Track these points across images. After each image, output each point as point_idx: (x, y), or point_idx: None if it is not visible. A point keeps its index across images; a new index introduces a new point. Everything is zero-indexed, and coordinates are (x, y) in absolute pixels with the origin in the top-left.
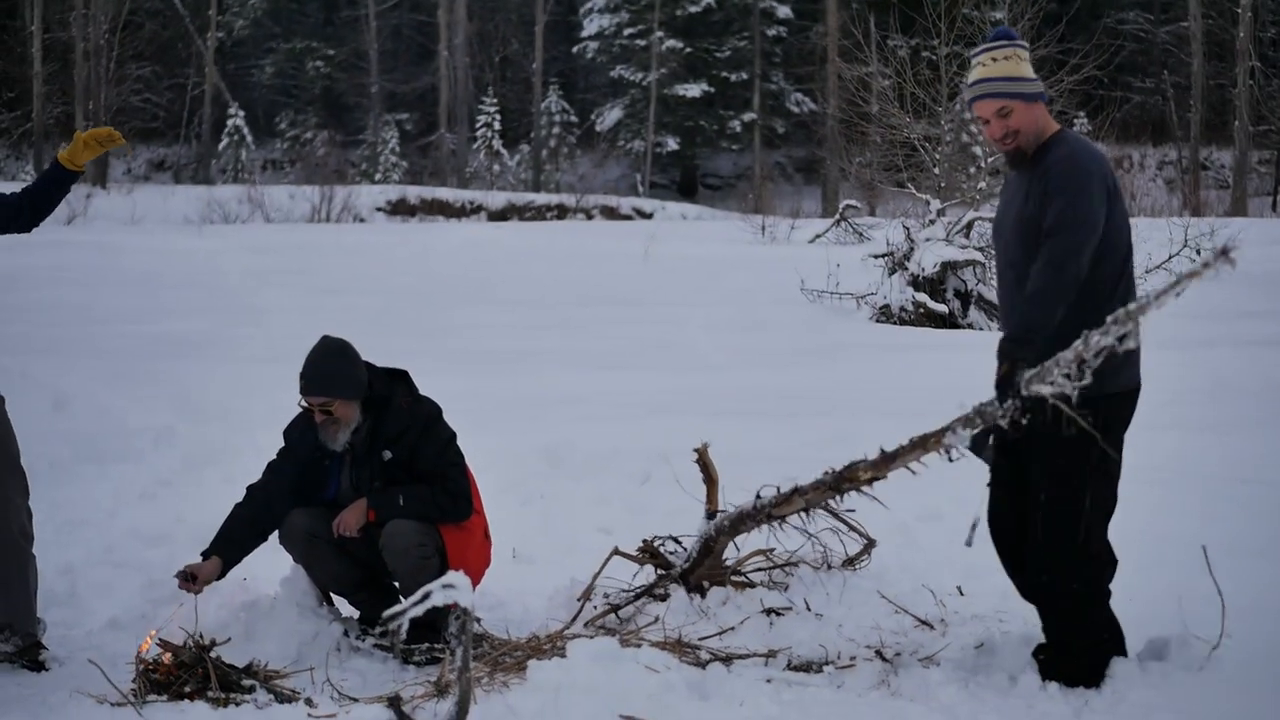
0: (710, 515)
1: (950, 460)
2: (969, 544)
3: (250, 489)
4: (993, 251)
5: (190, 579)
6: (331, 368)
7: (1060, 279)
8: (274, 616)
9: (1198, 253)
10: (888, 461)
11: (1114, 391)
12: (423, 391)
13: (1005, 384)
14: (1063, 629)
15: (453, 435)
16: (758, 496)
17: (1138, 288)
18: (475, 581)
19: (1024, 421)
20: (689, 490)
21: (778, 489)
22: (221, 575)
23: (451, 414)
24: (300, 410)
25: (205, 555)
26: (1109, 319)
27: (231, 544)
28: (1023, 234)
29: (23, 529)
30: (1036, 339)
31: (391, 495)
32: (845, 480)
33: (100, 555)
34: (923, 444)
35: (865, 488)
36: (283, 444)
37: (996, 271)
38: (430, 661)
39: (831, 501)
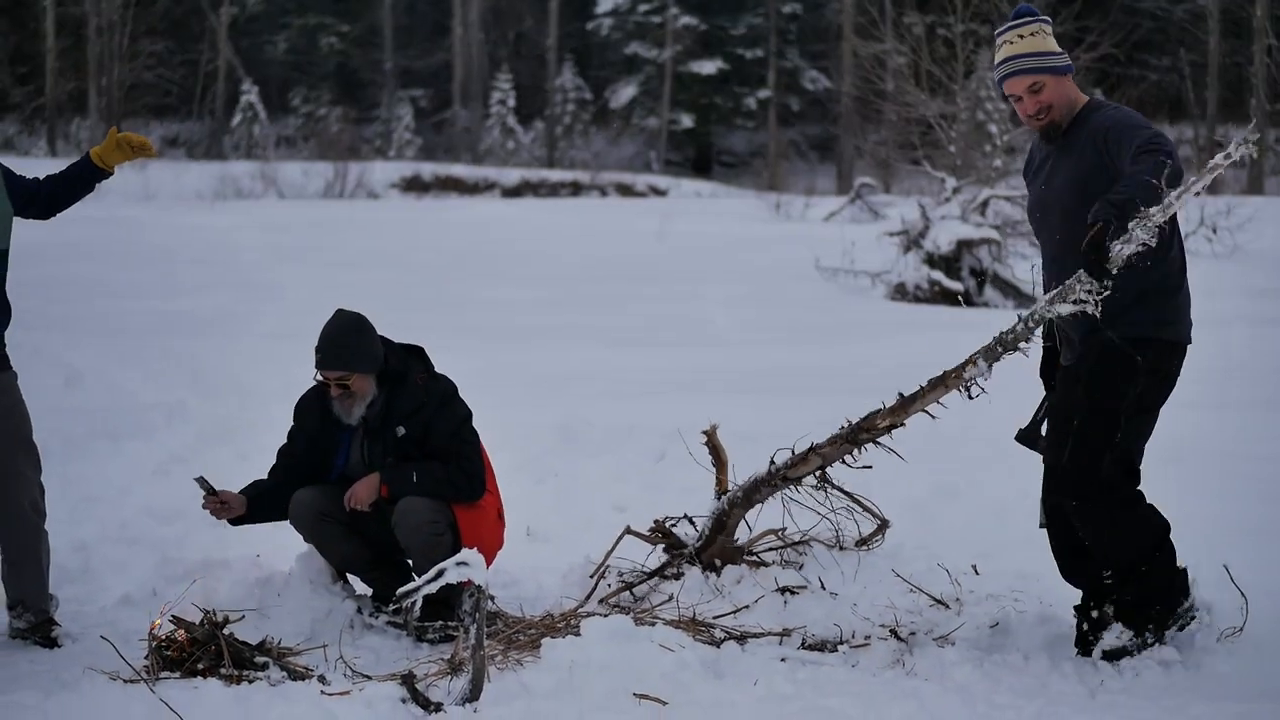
0: (720, 495)
1: (970, 397)
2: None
3: (271, 471)
4: (1009, 230)
5: (215, 498)
6: (348, 341)
7: (1162, 168)
8: (288, 593)
9: (1214, 231)
10: (906, 405)
11: (1166, 339)
12: (437, 368)
13: (1093, 247)
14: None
15: (468, 414)
16: (772, 462)
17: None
18: (488, 562)
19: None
20: (704, 466)
21: (793, 450)
22: (241, 518)
23: (465, 390)
24: (313, 383)
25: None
26: (1146, 211)
27: (258, 499)
28: (1082, 193)
29: (35, 505)
30: (1137, 209)
31: (404, 471)
32: (863, 431)
33: (113, 532)
34: (942, 382)
35: (884, 437)
36: (293, 421)
37: (1044, 256)
38: (444, 639)
39: (848, 457)
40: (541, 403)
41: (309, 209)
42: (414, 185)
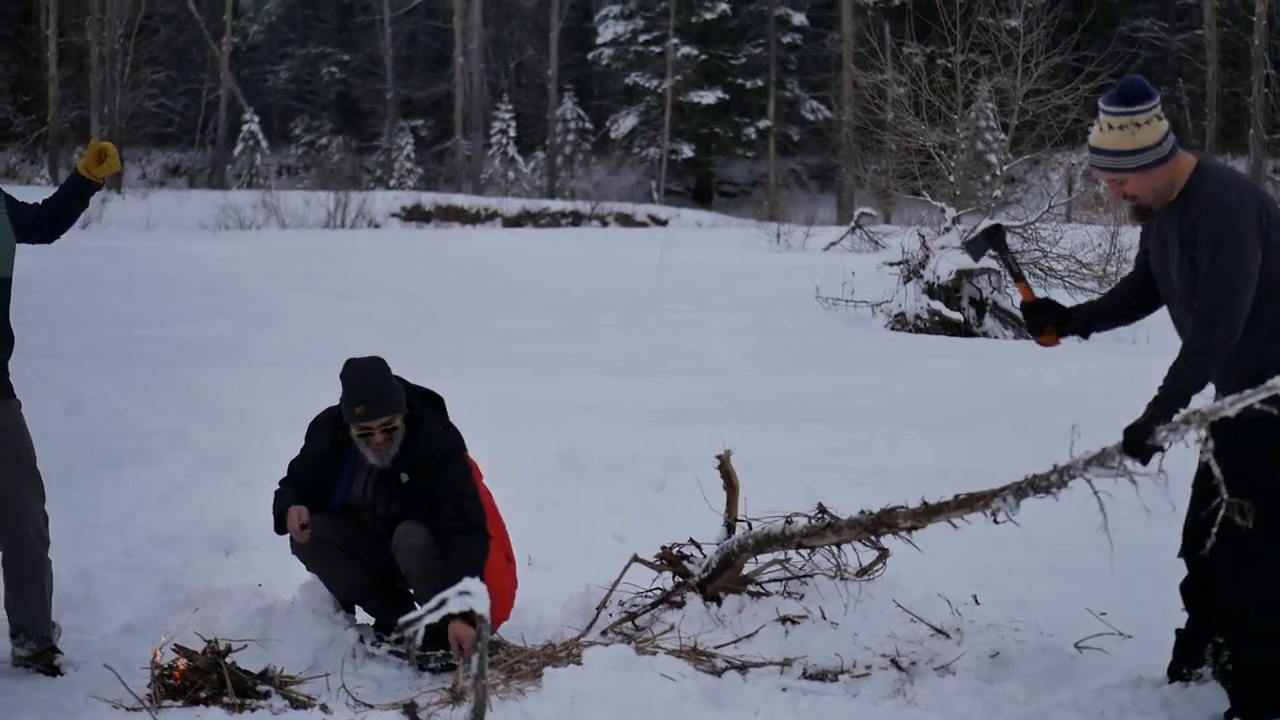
0: (729, 524)
1: (996, 522)
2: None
3: (282, 481)
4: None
5: (302, 527)
6: (385, 386)
7: (1211, 339)
8: (290, 622)
9: None
10: (929, 514)
11: None
12: (440, 401)
13: (1137, 433)
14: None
15: (470, 471)
16: (788, 521)
17: None
18: (509, 605)
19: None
20: (708, 496)
21: (809, 519)
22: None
23: (467, 419)
24: (326, 412)
25: (280, 515)
26: (1243, 393)
27: (296, 496)
28: (1189, 286)
29: (39, 532)
30: (1186, 400)
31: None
32: (883, 524)
33: (116, 559)
34: (969, 503)
35: (902, 534)
36: (305, 443)
37: (1173, 318)
38: (446, 668)
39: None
40: (542, 432)
41: (310, 238)
42: (415, 214)
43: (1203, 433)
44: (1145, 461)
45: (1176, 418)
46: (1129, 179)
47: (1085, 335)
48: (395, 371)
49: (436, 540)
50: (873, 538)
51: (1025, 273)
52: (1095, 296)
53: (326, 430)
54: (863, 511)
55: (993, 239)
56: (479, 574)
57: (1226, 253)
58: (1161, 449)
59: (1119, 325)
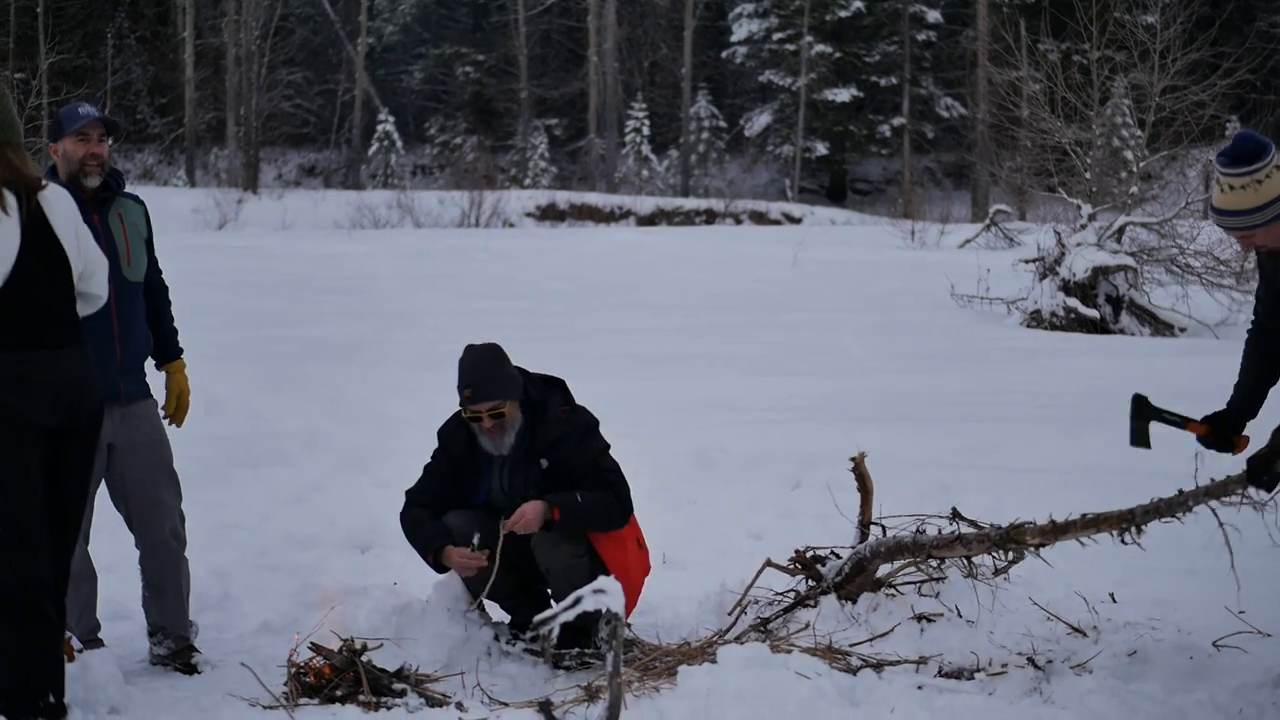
0: (863, 525)
1: (1124, 543)
2: None
3: (411, 495)
4: (1145, 256)
5: (473, 555)
6: (494, 371)
7: None
8: (425, 621)
9: None
10: (1057, 532)
11: None
12: (562, 384)
13: (1261, 463)
14: None
15: (607, 446)
16: (919, 531)
17: None
18: (637, 590)
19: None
20: (840, 496)
21: (939, 529)
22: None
23: (600, 418)
24: (455, 415)
25: (437, 555)
26: None
27: (446, 533)
28: None
29: (176, 533)
30: None
31: (570, 495)
32: (1011, 540)
33: (253, 559)
34: (1095, 524)
35: (1030, 550)
36: (437, 444)
37: None
38: (581, 666)
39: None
40: (676, 431)
41: (445, 238)
42: (549, 214)
43: None
44: (1270, 490)
45: None
46: (1257, 233)
47: (1255, 415)
48: (525, 367)
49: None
50: (1001, 553)
51: (1183, 415)
52: (1235, 382)
53: (459, 431)
54: (993, 525)
55: (1142, 414)
56: (597, 507)
57: None
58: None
59: (1268, 391)
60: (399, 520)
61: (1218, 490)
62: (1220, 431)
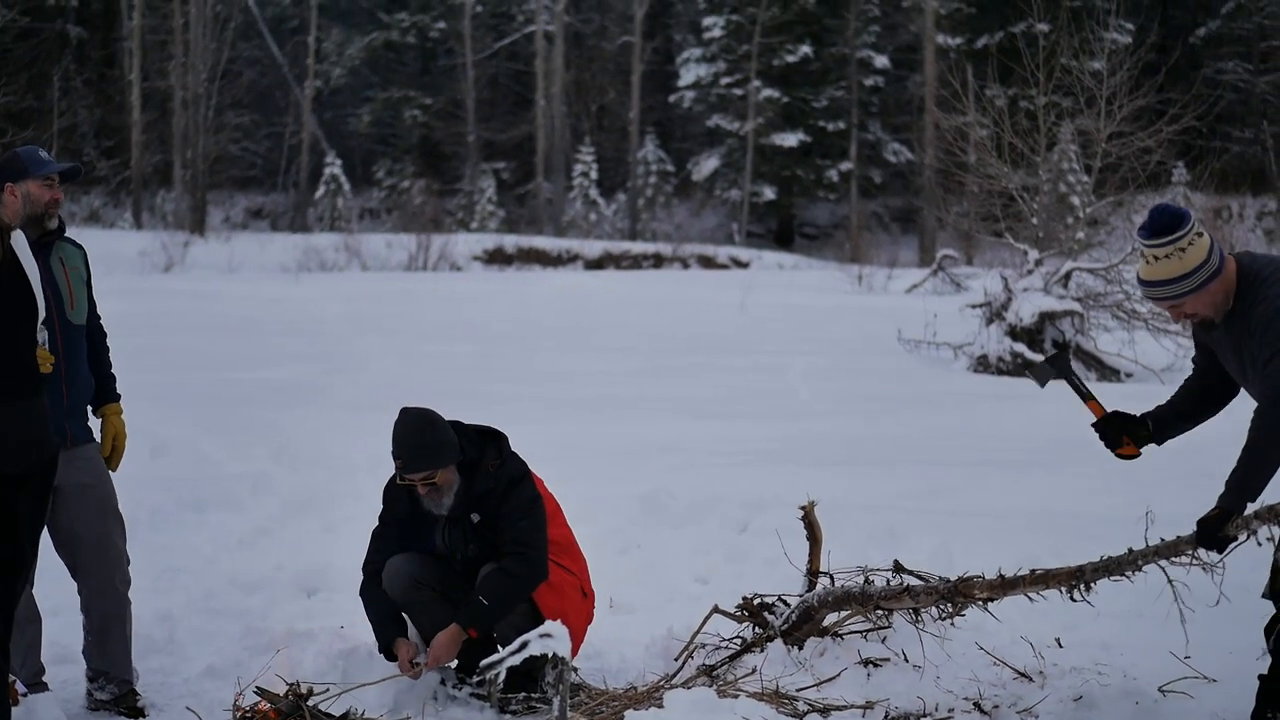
0: (811, 574)
1: (1073, 599)
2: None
3: (367, 568)
4: (1091, 302)
5: (411, 664)
6: (427, 440)
7: (1267, 452)
8: (372, 664)
9: None
10: (1005, 587)
11: None
12: (520, 438)
13: (1210, 526)
14: None
15: (535, 497)
16: (867, 581)
17: None
18: (579, 640)
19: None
20: (786, 543)
21: (888, 580)
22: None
23: (548, 461)
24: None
25: (389, 643)
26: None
27: (400, 624)
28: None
29: (122, 575)
30: (1260, 489)
31: (474, 604)
32: (959, 594)
33: (199, 602)
34: (1045, 580)
35: (977, 605)
36: (382, 506)
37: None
38: (527, 711)
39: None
40: (624, 474)
41: (392, 281)
42: (497, 257)
43: (1274, 529)
44: (1220, 552)
45: (1249, 511)
46: (1186, 301)
47: (1160, 442)
48: (471, 414)
49: None
50: (949, 605)
51: (1092, 391)
52: (1161, 401)
53: (401, 494)
54: (941, 579)
55: (1056, 363)
56: (503, 592)
57: (1278, 335)
58: (1235, 540)
59: (1191, 427)
60: (360, 595)
61: (1168, 550)
62: (1114, 425)
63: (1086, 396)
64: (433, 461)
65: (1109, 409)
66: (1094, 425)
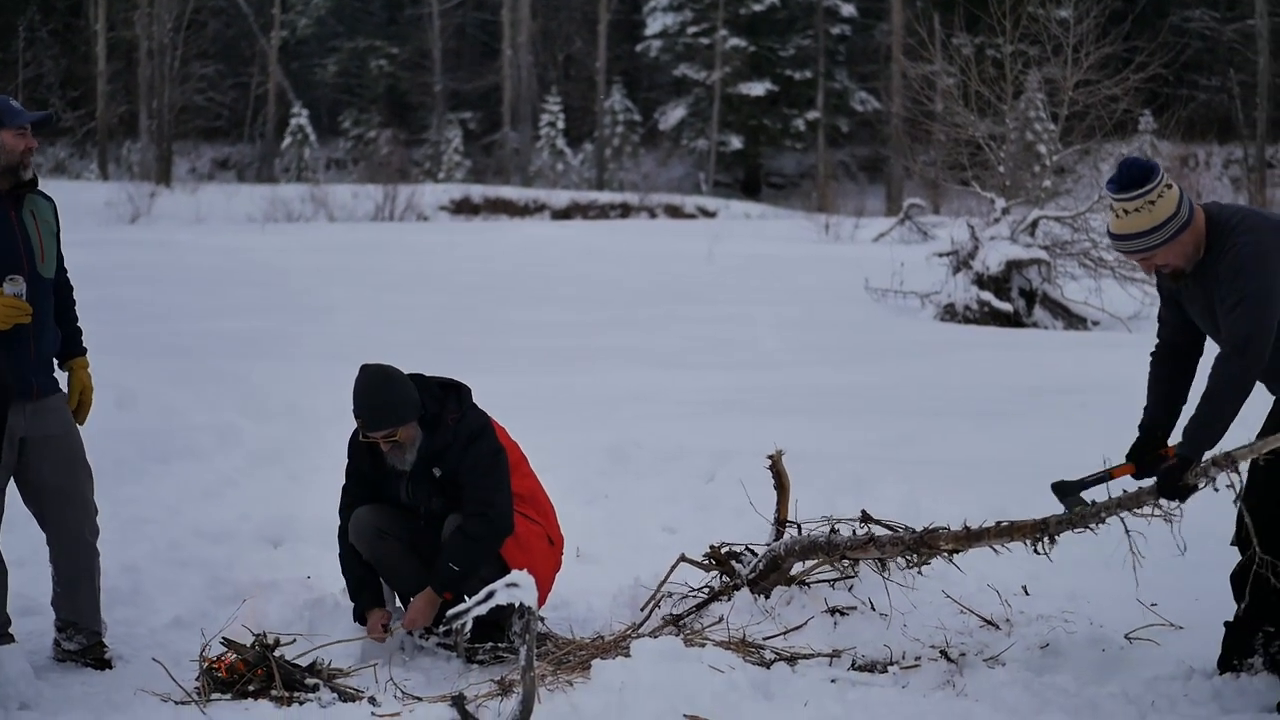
0: (778, 523)
1: (1036, 552)
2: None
3: (340, 531)
4: (1058, 250)
5: (383, 628)
6: (387, 398)
7: (1241, 367)
8: (338, 615)
9: None
10: (970, 539)
11: None
12: (487, 389)
13: (1171, 476)
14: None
15: (496, 450)
16: (833, 530)
17: None
18: (546, 589)
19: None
20: (755, 491)
21: (854, 530)
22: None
23: (515, 412)
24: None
25: (362, 611)
26: (1266, 442)
27: (375, 592)
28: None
29: (91, 525)
30: (1218, 437)
31: (444, 570)
32: (924, 545)
33: (165, 553)
34: (1009, 532)
35: (942, 556)
36: (347, 460)
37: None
38: (494, 661)
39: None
40: (591, 424)
41: (359, 231)
42: (463, 207)
43: (1233, 476)
44: (1181, 501)
45: (1207, 459)
46: (1157, 253)
47: (1171, 429)
48: (437, 366)
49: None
50: (915, 556)
51: (1106, 470)
52: (1144, 405)
53: (364, 450)
54: (906, 528)
55: (1070, 492)
56: (469, 555)
57: (1245, 281)
58: (1195, 488)
59: (1182, 407)
60: (338, 541)
61: (1130, 502)
62: (1144, 460)
63: (1109, 476)
64: (393, 419)
65: (1126, 460)
66: (1135, 478)
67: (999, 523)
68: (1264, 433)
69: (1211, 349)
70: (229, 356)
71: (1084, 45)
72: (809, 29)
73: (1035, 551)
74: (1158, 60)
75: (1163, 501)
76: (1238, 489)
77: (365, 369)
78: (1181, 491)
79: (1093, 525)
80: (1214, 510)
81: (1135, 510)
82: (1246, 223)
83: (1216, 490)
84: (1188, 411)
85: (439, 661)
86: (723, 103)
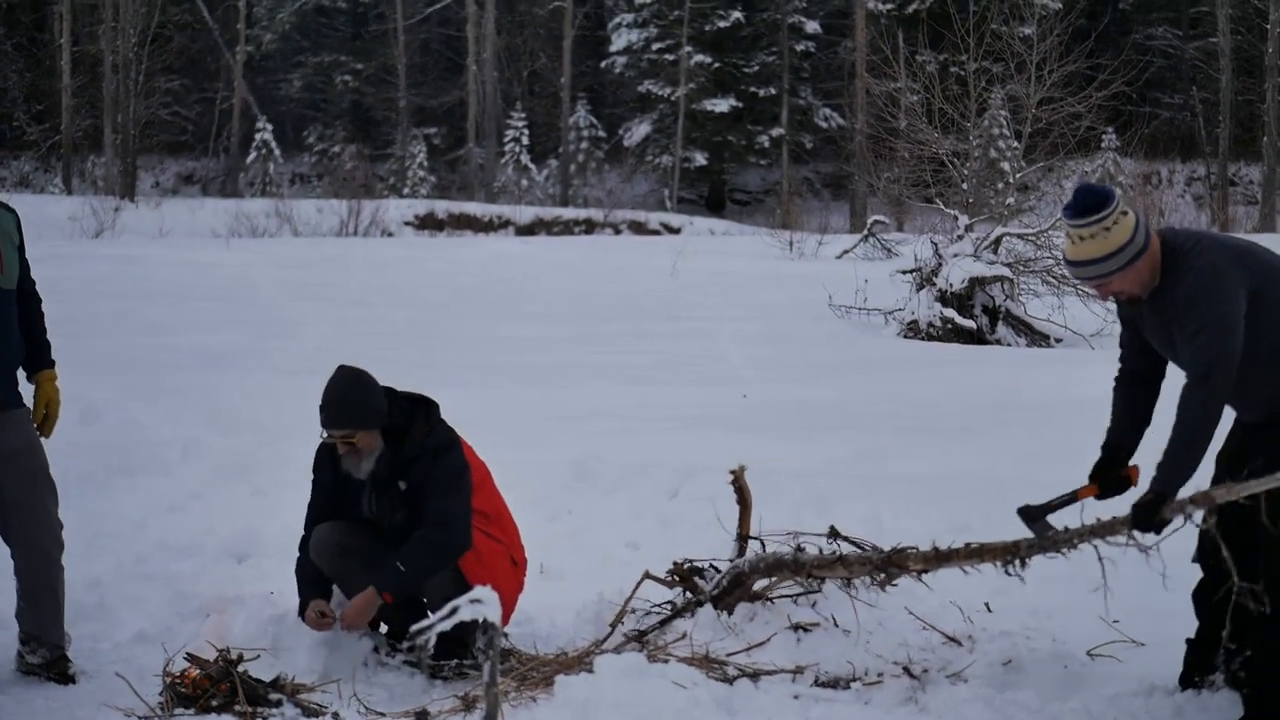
0: (741, 539)
1: (1007, 573)
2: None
3: (301, 541)
4: (1021, 267)
5: (321, 616)
6: (351, 399)
7: (1208, 393)
8: (302, 630)
9: None
10: (940, 560)
11: None
12: (451, 404)
13: (1145, 510)
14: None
15: (462, 466)
16: (799, 549)
17: None
18: (509, 609)
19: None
20: (717, 508)
21: (820, 548)
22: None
23: (479, 428)
24: (322, 441)
25: (304, 604)
26: (1248, 483)
27: (322, 588)
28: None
29: (55, 539)
30: (1192, 470)
31: (390, 569)
32: (893, 564)
33: (129, 568)
34: (979, 554)
35: (910, 576)
36: (312, 476)
37: None
38: (458, 676)
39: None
40: (555, 440)
41: (324, 246)
42: (428, 223)
43: (1206, 513)
44: (1157, 533)
45: (1183, 496)
46: (1113, 279)
47: (1134, 449)
48: (401, 380)
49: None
50: (882, 575)
51: (1073, 493)
52: (1107, 427)
53: (327, 462)
54: (874, 548)
55: (1035, 517)
56: (419, 560)
57: (1208, 336)
58: (1169, 522)
59: (1145, 427)
60: (298, 548)
61: (1103, 530)
62: (1107, 479)
63: (1073, 498)
64: (353, 420)
65: (1089, 481)
66: (1098, 499)
67: (969, 544)
68: (1220, 459)
69: (1176, 368)
70: (194, 370)
71: (1047, 63)
72: (773, 46)
73: (1006, 573)
74: (1121, 78)
75: (1137, 534)
76: (1204, 513)
77: (341, 368)
78: (1156, 526)
79: (1064, 550)
80: (1180, 531)
81: (1109, 539)
82: (1201, 246)
83: (1197, 526)
84: (1151, 432)
85: (403, 677)
86: (687, 119)
